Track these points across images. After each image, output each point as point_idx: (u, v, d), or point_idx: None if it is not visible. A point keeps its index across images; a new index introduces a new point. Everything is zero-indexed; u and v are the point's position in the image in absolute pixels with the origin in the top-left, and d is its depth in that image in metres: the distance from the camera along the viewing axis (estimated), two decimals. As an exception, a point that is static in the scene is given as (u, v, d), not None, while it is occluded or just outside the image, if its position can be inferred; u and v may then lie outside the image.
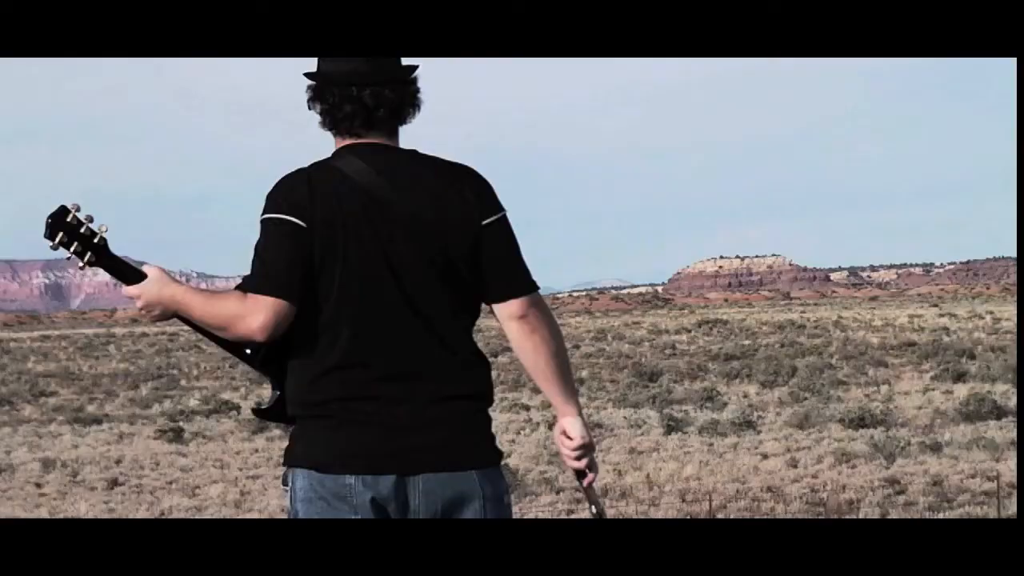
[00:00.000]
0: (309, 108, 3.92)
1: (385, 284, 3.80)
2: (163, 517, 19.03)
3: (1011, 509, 16.02)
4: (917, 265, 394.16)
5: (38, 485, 23.49)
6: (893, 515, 16.77)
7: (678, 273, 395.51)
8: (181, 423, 33.67)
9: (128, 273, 3.86)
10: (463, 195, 3.85)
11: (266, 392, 4.00)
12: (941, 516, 16.41)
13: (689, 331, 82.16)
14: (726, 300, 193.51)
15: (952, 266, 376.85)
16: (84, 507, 20.27)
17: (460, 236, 3.83)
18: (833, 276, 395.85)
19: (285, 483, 3.91)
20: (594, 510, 3.96)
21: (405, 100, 3.90)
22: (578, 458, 3.94)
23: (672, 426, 28.18)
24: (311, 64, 3.95)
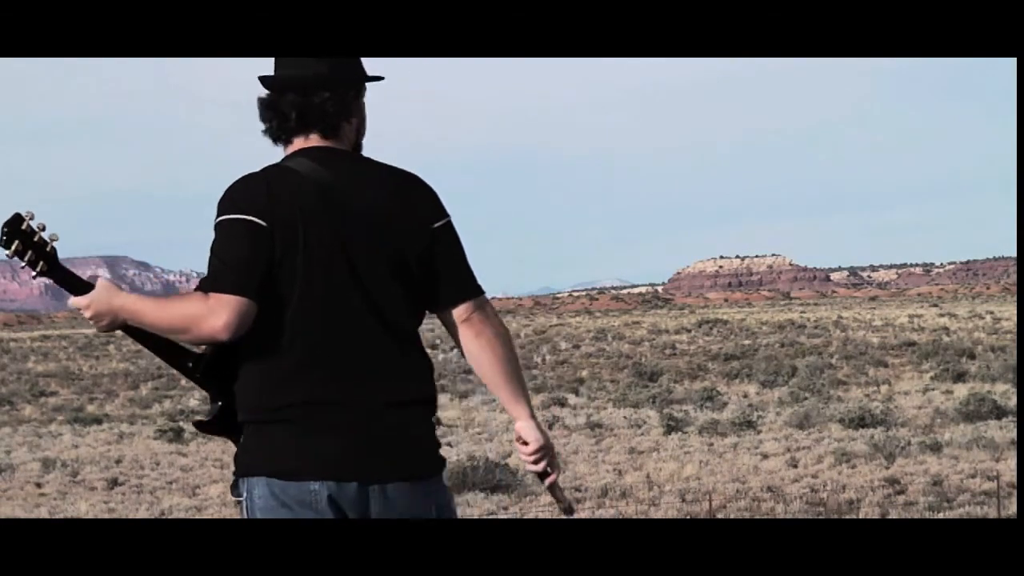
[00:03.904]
0: (260, 119, 3.87)
1: (345, 283, 3.76)
2: (163, 517, 19.05)
3: (1011, 509, 16.04)
4: (917, 265, 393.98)
5: (38, 485, 23.52)
6: (893, 515, 16.78)
7: (678, 273, 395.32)
8: (181, 423, 33.73)
9: (76, 284, 3.83)
10: (411, 199, 3.83)
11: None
12: (941, 516, 16.42)
13: (689, 331, 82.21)
14: (726, 300, 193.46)
15: (952, 266, 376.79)
16: (84, 507, 20.30)
17: (414, 236, 3.81)
18: (833, 276, 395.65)
19: (237, 493, 3.84)
20: (562, 507, 3.96)
21: (348, 103, 3.86)
22: (535, 462, 3.91)
23: (672, 426, 28.24)
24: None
